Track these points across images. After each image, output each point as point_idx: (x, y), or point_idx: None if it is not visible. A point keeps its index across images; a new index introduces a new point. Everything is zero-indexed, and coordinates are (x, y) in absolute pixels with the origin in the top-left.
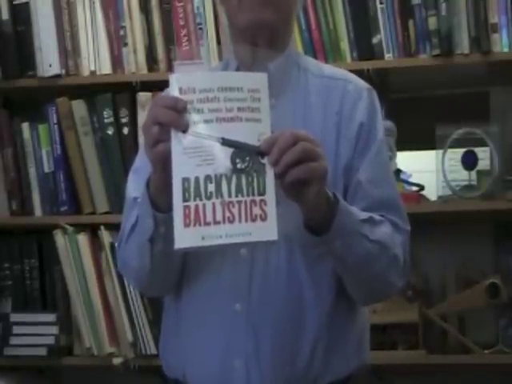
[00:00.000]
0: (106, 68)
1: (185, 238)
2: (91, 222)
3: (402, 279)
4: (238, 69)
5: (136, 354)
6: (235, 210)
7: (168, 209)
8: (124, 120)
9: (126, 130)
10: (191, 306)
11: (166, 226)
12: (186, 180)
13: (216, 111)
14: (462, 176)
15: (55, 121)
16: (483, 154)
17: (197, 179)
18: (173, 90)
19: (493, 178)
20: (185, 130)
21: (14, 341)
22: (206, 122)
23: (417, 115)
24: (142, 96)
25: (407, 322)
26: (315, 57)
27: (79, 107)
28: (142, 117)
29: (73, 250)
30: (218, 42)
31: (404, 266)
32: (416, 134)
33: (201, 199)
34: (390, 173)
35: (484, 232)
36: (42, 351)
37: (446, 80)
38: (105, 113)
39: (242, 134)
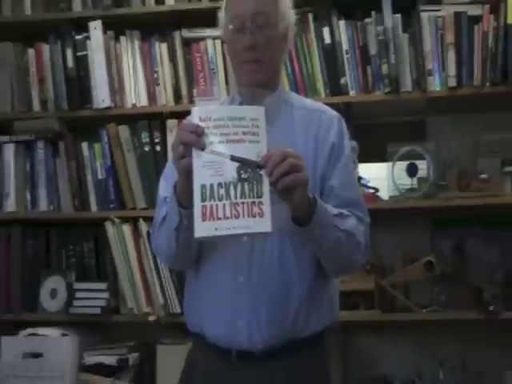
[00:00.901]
0: (143, 102)
1: (202, 229)
2: (133, 216)
3: (363, 259)
4: (241, 103)
5: (166, 313)
6: (240, 209)
7: (189, 206)
8: (157, 140)
9: (158, 148)
10: (206, 278)
11: (187, 219)
12: (203, 186)
13: (226, 135)
14: (406, 181)
15: (106, 141)
16: (422, 166)
17: (211, 186)
18: (194, 119)
19: (429, 183)
20: (203, 149)
21: (76, 303)
22: (219, 143)
23: (373, 136)
24: (170, 123)
25: (366, 289)
26: (298, 93)
27: (124, 131)
28: (170, 138)
29: (119, 237)
30: (227, 83)
31: (365, 249)
32: (372, 151)
33: (214, 200)
34: (355, 179)
35: (423, 223)
36: (97, 310)
37: (394, 110)
38: (142, 135)
39: (245, 152)
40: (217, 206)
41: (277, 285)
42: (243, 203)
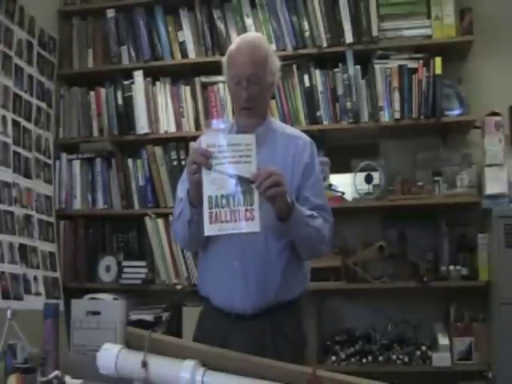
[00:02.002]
0: (172, 129)
1: (210, 229)
2: (165, 212)
3: (327, 248)
4: (238, 131)
5: (189, 283)
6: (237, 214)
7: (197, 206)
8: (182, 157)
9: (183, 163)
10: (211, 261)
11: (196, 215)
12: (210, 197)
13: (227, 157)
14: (364, 187)
15: (146, 158)
16: (376, 176)
17: (216, 197)
18: (202, 145)
19: (381, 188)
20: (210, 168)
21: (124, 275)
22: (221, 164)
23: (340, 154)
24: (192, 145)
25: (335, 265)
26: (285, 122)
27: (158, 150)
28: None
29: (155, 227)
30: (233, 113)
31: (329, 241)
32: (340, 165)
33: (218, 208)
34: (323, 190)
35: (376, 218)
36: (138, 281)
37: (355, 135)
38: (172, 153)
39: (240, 170)
40: (220, 212)
41: (262, 267)
42: (239, 210)
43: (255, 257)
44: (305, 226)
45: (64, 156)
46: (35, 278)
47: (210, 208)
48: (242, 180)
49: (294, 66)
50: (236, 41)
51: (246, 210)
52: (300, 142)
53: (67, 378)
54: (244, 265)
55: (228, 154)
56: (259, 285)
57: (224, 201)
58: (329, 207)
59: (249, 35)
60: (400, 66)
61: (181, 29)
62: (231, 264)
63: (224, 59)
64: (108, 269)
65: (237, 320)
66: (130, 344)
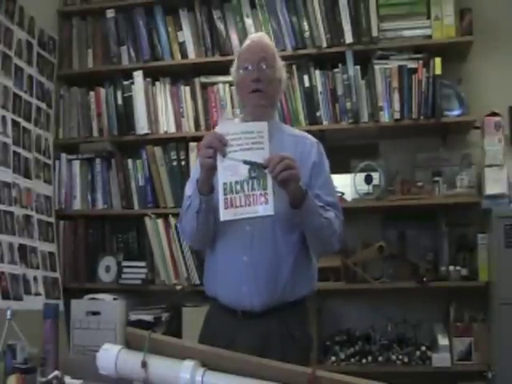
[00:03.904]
0: (172, 129)
1: (225, 214)
2: (164, 212)
3: (338, 244)
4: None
5: (188, 283)
6: (251, 199)
7: (207, 194)
8: (182, 157)
9: (182, 163)
10: (219, 257)
11: (205, 204)
12: (225, 184)
13: (240, 145)
14: (364, 188)
15: (145, 158)
16: (375, 176)
17: (230, 183)
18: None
19: (380, 188)
20: (224, 155)
21: (124, 276)
22: (235, 151)
23: (340, 155)
24: (192, 145)
25: (335, 266)
26: (285, 122)
27: (158, 151)
28: (192, 156)
29: (154, 228)
30: (233, 114)
31: (339, 237)
32: (340, 165)
33: (233, 194)
34: (334, 188)
35: (376, 218)
36: (138, 281)
37: (355, 136)
38: (171, 154)
39: (253, 156)
40: (235, 197)
41: (270, 263)
42: (253, 195)
43: (264, 250)
44: (318, 216)
45: (64, 156)
46: (35, 279)
47: (225, 194)
48: (255, 165)
49: (294, 67)
50: (246, 39)
51: (260, 194)
52: (307, 142)
53: (67, 379)
54: (253, 259)
55: (241, 142)
56: (268, 279)
57: (238, 187)
58: (340, 205)
59: (257, 34)
60: (400, 67)
61: (181, 29)
62: (240, 259)
63: (234, 60)
64: (108, 269)
65: (243, 318)
66: (129, 344)
